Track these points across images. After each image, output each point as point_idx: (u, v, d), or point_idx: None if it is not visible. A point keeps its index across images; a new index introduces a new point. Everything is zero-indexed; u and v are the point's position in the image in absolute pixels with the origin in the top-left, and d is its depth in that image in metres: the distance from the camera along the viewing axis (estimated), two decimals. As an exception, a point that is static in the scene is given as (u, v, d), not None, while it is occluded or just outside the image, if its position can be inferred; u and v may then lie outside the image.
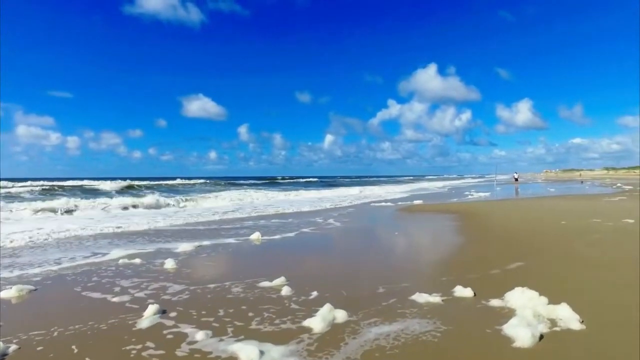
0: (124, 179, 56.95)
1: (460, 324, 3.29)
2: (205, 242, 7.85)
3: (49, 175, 70.13)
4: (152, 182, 40.04)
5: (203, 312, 3.81)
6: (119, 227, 10.17)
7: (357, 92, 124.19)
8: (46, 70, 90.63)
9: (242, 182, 54.36)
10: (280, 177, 73.82)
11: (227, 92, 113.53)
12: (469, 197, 21.70)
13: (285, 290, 4.41)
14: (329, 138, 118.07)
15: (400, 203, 17.73)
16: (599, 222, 8.85)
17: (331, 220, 11.27)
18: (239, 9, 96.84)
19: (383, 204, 17.58)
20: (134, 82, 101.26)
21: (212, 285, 4.77)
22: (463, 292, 4.10)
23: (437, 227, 9.80)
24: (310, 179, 69.93)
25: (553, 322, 3.21)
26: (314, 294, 4.31)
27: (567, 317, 3.19)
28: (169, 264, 5.98)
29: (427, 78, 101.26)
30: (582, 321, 3.16)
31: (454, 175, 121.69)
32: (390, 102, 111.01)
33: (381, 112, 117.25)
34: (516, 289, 3.78)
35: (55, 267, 5.96)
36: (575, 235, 7.42)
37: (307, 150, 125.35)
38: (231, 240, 8.11)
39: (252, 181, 57.91)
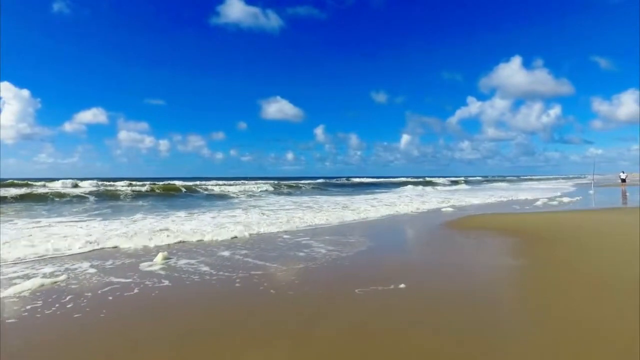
0: (214, 178, 58.97)
1: None
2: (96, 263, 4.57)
3: (145, 175, 76.47)
4: (290, 182, 40.11)
5: None
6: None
7: (435, 90, 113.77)
8: (143, 80, 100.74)
9: (331, 183, 51.67)
10: (345, 178, 69.15)
11: (304, 93, 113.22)
12: (551, 202, 15.35)
13: None
14: (405, 138, 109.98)
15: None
16: None
17: (315, 244, 7.23)
18: (316, 13, 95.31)
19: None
20: (217, 88, 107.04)
21: None
22: None
23: (480, 268, 5.18)
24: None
25: None
26: None
27: None
28: None
29: (511, 72, 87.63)
30: None
31: (546, 176, 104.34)
32: (470, 99, 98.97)
33: (460, 110, 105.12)
34: None
35: None
36: None
37: (383, 151, 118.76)
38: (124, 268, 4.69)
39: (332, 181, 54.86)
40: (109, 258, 6.22)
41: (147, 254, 6.49)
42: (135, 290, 4.52)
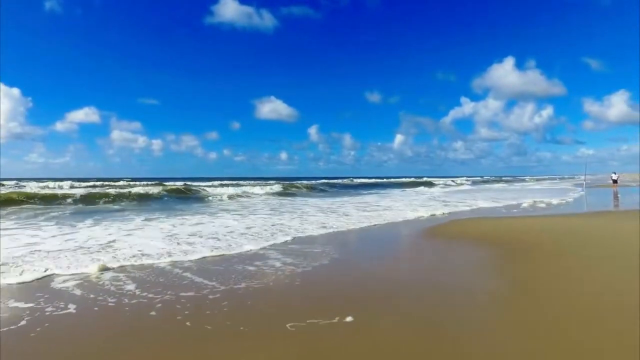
0: (212, 179, 57.96)
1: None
2: None
3: (138, 175, 75.27)
4: (304, 182, 38.18)
5: None
6: None
7: (429, 90, 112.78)
8: (136, 79, 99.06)
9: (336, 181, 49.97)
10: (349, 179, 67.36)
11: (299, 93, 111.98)
12: (540, 204, 14.37)
13: None
14: (398, 138, 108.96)
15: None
16: None
17: (273, 259, 6.34)
18: (311, 13, 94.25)
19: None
20: (211, 87, 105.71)
21: None
22: None
23: (457, 294, 4.28)
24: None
25: None
26: None
27: None
28: None
29: (504, 73, 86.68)
30: None
31: (541, 177, 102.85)
32: (464, 99, 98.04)
33: (454, 111, 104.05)
34: None
35: None
36: None
37: (377, 151, 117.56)
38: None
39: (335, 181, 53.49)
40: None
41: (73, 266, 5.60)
42: (23, 322, 3.62)
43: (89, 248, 6.84)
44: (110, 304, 4.13)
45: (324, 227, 9.47)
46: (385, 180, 61.31)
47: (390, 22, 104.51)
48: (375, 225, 10.01)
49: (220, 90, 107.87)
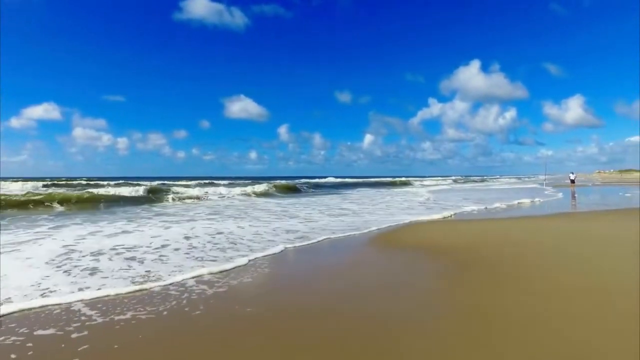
0: (182, 178, 55.62)
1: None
2: None
3: (102, 175, 71.86)
4: (290, 183, 36.02)
5: None
6: None
7: (398, 91, 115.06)
8: (102, 75, 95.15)
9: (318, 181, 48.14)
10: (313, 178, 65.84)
11: (269, 92, 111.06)
12: (498, 206, 13.82)
13: None
14: (368, 138, 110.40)
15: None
16: None
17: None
18: (282, 12, 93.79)
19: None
20: (180, 85, 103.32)
21: None
22: None
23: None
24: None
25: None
26: None
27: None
28: None
29: (470, 75, 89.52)
30: None
31: (507, 176, 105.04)
32: (432, 100, 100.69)
33: (422, 111, 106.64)
34: None
35: None
36: None
37: (347, 150, 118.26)
38: None
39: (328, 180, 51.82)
40: None
41: None
42: None
43: None
44: None
45: (303, 238, 8.06)
46: (361, 180, 60.68)
47: (361, 23, 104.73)
48: (361, 231, 9.03)
49: (189, 88, 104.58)
